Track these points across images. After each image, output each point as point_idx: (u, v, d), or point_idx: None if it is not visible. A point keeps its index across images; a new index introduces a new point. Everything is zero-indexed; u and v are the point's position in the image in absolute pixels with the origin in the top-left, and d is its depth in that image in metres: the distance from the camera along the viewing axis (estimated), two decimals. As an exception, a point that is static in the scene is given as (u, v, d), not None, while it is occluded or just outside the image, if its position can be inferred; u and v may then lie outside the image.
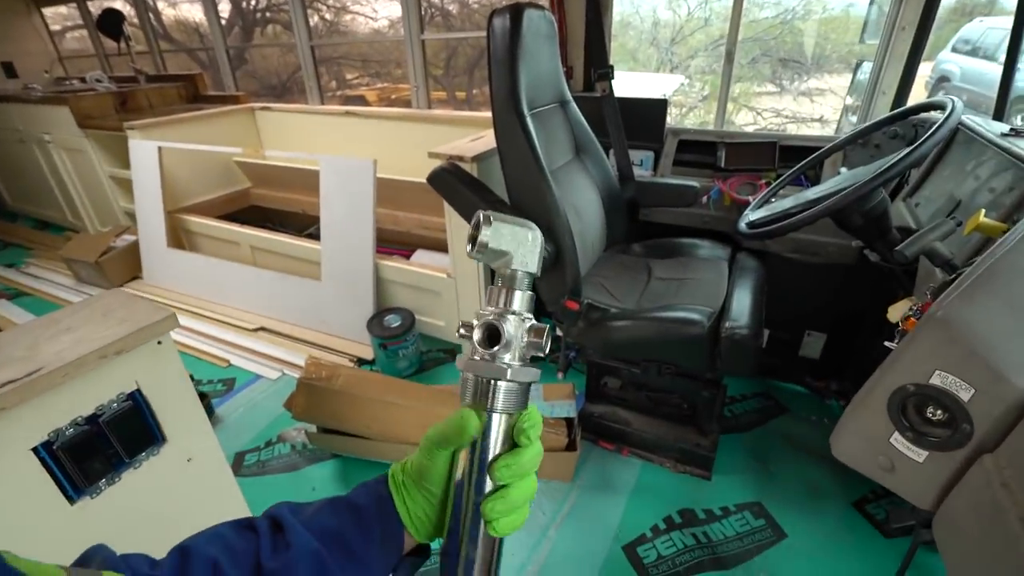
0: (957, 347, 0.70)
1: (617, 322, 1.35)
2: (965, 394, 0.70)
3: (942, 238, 0.90)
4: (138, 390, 0.87)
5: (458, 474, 0.38)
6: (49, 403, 0.77)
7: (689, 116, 4.72)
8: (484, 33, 1.33)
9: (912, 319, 0.85)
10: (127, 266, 2.93)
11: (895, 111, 1.24)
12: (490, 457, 0.37)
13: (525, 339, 0.37)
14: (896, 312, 0.92)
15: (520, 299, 0.37)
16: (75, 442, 0.80)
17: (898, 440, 0.79)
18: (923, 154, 0.93)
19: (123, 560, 0.35)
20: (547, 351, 0.37)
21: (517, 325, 0.36)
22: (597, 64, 1.75)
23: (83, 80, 3.60)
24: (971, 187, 1.08)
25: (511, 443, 0.38)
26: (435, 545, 0.41)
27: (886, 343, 0.87)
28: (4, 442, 0.74)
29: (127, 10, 3.83)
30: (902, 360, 0.76)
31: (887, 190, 1.08)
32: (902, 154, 0.95)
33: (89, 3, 4.00)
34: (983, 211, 0.84)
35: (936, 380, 0.72)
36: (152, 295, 2.74)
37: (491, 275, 1.87)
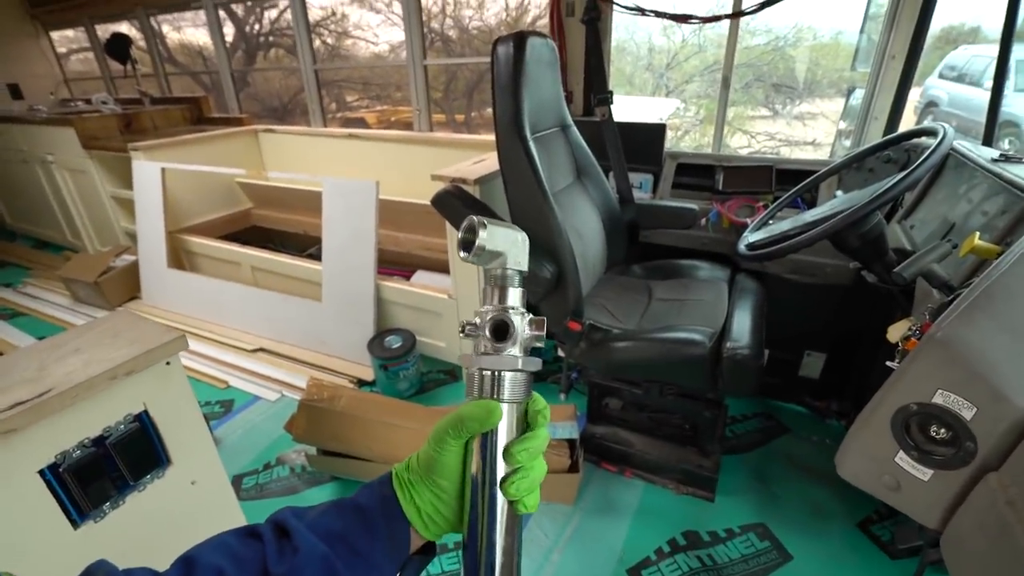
0: (958, 367, 0.72)
1: (619, 343, 1.36)
2: (967, 413, 0.71)
3: (939, 260, 0.92)
4: (145, 411, 0.87)
5: (472, 468, 0.39)
6: (57, 425, 0.77)
7: (685, 139, 4.81)
8: (484, 58, 1.36)
9: (913, 339, 0.86)
10: (126, 286, 2.93)
11: (889, 136, 1.28)
12: (503, 444, 0.39)
13: (528, 332, 0.39)
14: (896, 332, 0.94)
15: (515, 295, 0.40)
16: (81, 464, 0.80)
17: (903, 459, 0.79)
18: (917, 178, 0.96)
19: (126, 574, 0.35)
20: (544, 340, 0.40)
21: (521, 319, 0.39)
22: (597, 89, 1.80)
23: (88, 102, 3.65)
24: (964, 210, 1.11)
25: (522, 429, 0.40)
26: (448, 542, 0.41)
27: (887, 363, 0.88)
28: (11, 464, 0.73)
29: (134, 34, 3.90)
30: (904, 380, 0.78)
31: (882, 213, 1.11)
32: (897, 178, 0.98)
33: (97, 27, 4.08)
34: (978, 234, 0.86)
35: (938, 399, 0.73)
36: (150, 315, 2.73)
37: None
